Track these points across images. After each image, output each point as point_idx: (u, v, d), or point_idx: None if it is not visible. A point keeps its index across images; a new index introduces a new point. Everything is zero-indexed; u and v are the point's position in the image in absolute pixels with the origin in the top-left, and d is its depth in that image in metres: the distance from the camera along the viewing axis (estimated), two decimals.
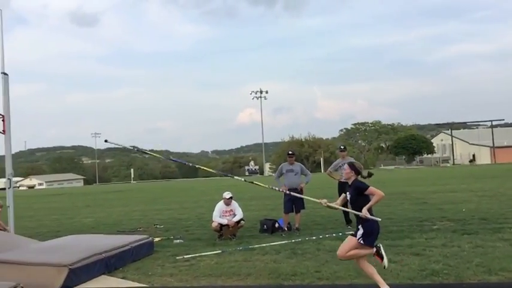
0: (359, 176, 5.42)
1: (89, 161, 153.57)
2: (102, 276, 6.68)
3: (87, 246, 7.27)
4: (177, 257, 7.73)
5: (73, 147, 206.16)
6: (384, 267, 5.30)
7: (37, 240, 8.76)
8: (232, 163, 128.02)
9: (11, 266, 6.20)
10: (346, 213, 10.41)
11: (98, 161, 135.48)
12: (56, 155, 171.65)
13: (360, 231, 5.18)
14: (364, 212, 5.10)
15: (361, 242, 5.16)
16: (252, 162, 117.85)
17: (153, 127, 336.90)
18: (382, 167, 70.06)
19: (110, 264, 6.98)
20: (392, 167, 67.35)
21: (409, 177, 33.23)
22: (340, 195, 10.31)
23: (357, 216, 5.26)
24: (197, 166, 8.72)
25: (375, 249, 5.25)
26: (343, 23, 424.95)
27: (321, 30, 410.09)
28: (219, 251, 8.07)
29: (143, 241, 8.19)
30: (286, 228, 10.03)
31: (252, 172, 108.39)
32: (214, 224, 9.51)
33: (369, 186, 5.19)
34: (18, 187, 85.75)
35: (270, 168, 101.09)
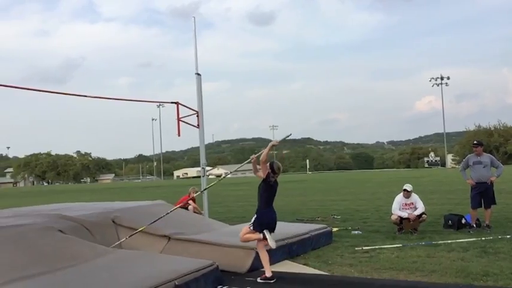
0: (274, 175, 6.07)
1: None
2: (286, 261, 7.05)
3: None
4: (356, 248, 7.71)
5: (253, 139, 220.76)
6: (272, 248, 6.03)
7: (227, 224, 9.61)
8: (410, 154, 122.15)
9: (207, 246, 6.93)
10: None
11: (275, 152, 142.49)
12: (239, 147, 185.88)
13: (253, 218, 6.05)
14: None
15: (251, 227, 6.03)
16: (431, 154, 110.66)
17: (327, 118, 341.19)
18: None
19: (292, 250, 7.32)
20: None
21: None
22: None
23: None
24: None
25: (261, 235, 5.94)
26: None
27: (510, 5, 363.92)
28: (400, 245, 7.82)
29: (322, 230, 8.40)
30: (474, 225, 9.22)
31: (432, 164, 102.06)
32: (393, 217, 9.24)
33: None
34: (209, 176, 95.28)
35: (452, 159, 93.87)
